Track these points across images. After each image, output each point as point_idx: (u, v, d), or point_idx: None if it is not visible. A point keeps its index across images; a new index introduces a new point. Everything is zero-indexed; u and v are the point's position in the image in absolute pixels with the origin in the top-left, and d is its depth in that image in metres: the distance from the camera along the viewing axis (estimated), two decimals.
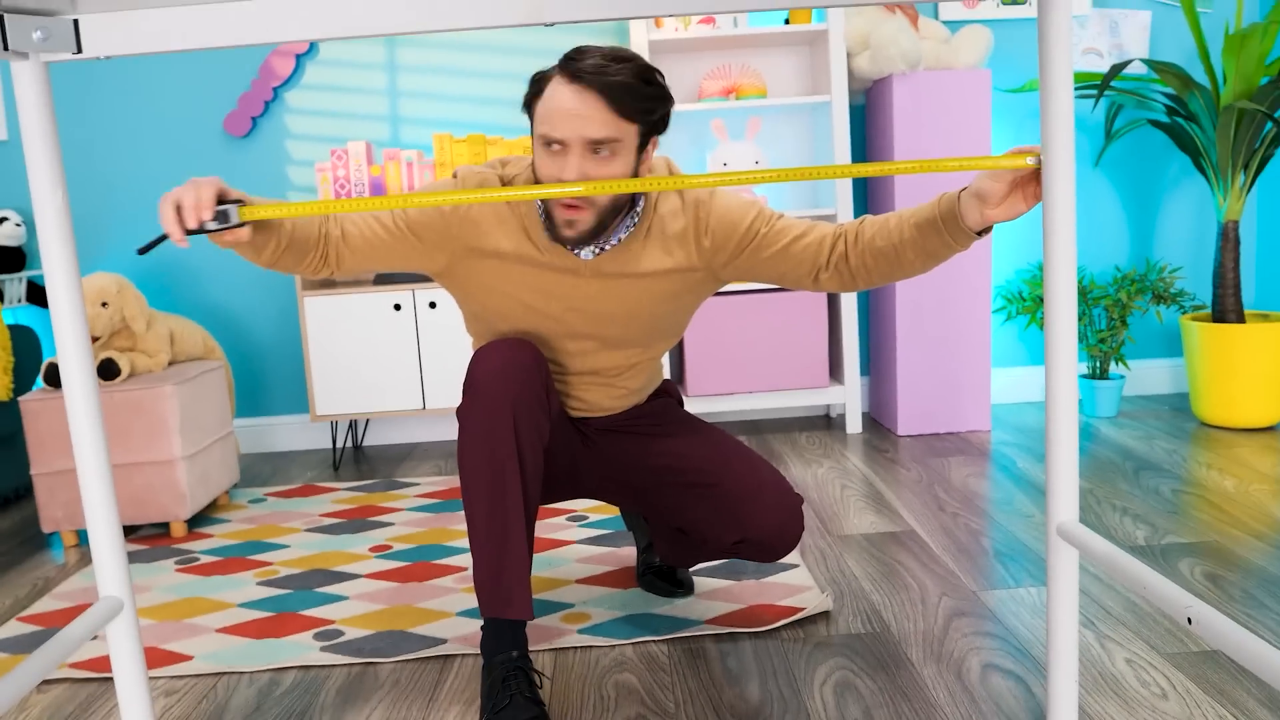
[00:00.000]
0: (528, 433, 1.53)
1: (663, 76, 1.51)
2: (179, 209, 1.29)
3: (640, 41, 3.14)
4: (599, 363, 1.69)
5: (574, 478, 1.81)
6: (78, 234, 3.48)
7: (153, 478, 2.58)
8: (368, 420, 3.59)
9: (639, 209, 1.61)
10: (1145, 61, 3.09)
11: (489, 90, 3.45)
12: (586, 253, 1.59)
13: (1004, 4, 3.45)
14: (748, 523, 1.67)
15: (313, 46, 3.40)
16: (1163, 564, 2.03)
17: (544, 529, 2.48)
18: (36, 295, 3.39)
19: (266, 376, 3.55)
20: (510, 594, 1.53)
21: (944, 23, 3.43)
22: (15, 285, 3.35)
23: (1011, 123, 3.50)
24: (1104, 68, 3.48)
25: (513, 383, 1.52)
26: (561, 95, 1.45)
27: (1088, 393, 3.32)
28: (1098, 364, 3.34)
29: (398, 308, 3.14)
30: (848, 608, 1.91)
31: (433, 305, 3.14)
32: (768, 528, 1.67)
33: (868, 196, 3.45)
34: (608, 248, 1.60)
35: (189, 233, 1.31)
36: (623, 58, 1.47)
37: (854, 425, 3.30)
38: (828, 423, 3.47)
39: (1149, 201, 3.55)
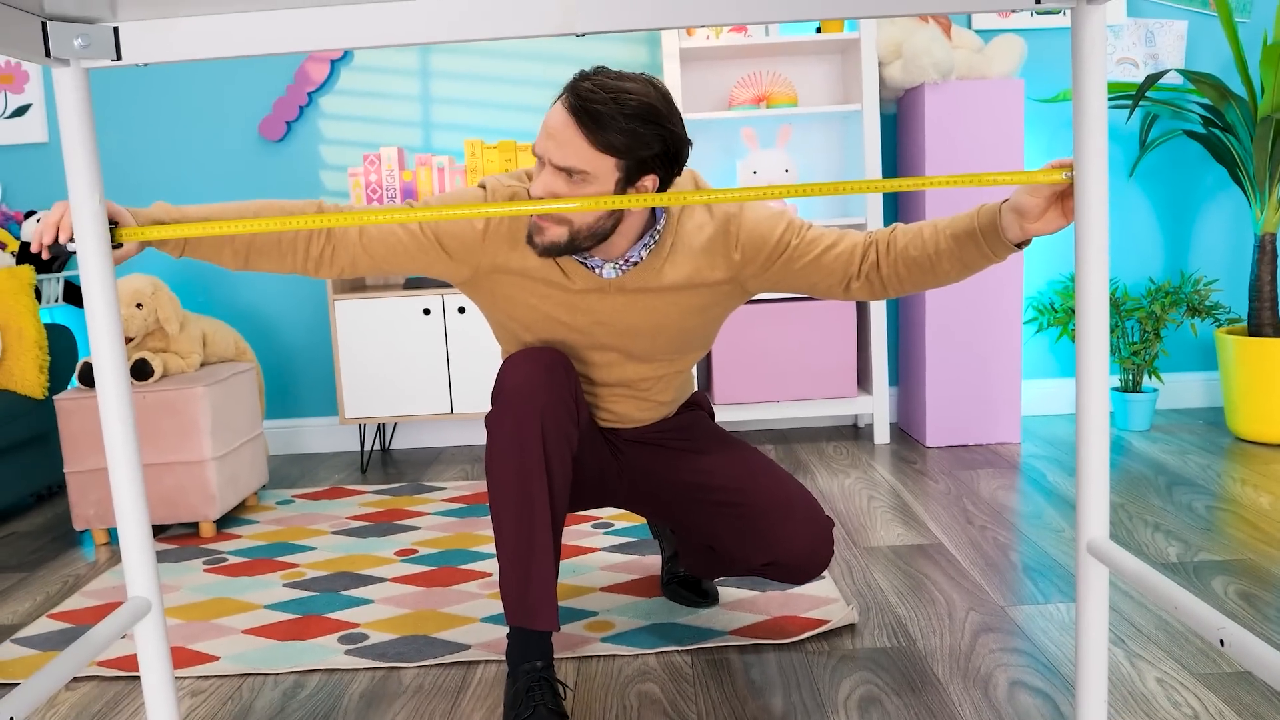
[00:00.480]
0: (556, 442, 1.53)
1: (674, 123, 1.46)
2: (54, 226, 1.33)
3: (671, 50, 3.14)
4: (626, 374, 1.69)
5: (603, 488, 1.81)
6: None
7: (183, 478, 2.61)
8: (395, 424, 3.61)
9: (659, 226, 1.59)
10: (1181, 72, 3.06)
11: (521, 97, 3.46)
12: (609, 270, 1.59)
13: (1038, 13, 3.42)
14: (777, 546, 1.66)
15: (347, 52, 3.43)
16: (1195, 582, 2.00)
17: (569, 536, 2.48)
18: (73, 295, 3.44)
19: (296, 379, 3.58)
20: (537, 606, 1.53)
21: (977, 32, 3.41)
22: (52, 285, 3.39)
23: (1045, 133, 3.47)
24: (1139, 78, 3.44)
25: (541, 391, 1.52)
26: (552, 111, 1.46)
27: (1120, 406, 3.29)
28: (1130, 377, 3.30)
29: (427, 312, 3.15)
30: (873, 621, 1.89)
31: (462, 310, 3.15)
32: (798, 551, 1.66)
33: (898, 206, 3.43)
34: (628, 267, 1.59)
35: (58, 251, 1.34)
36: (627, 90, 1.43)
37: (882, 436, 3.28)
38: (855, 433, 3.46)
39: (1184, 213, 3.51)
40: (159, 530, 2.76)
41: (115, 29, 1.25)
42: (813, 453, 3.20)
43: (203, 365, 2.90)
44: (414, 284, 3.19)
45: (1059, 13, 3.40)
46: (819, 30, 3.26)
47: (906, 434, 3.40)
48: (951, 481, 2.79)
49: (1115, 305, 3.30)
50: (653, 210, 1.58)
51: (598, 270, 1.59)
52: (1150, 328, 3.24)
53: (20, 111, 3.49)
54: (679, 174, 1.55)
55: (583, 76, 1.45)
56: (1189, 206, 3.51)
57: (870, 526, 2.44)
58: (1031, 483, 2.74)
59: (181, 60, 1.27)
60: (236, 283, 3.53)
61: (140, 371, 2.61)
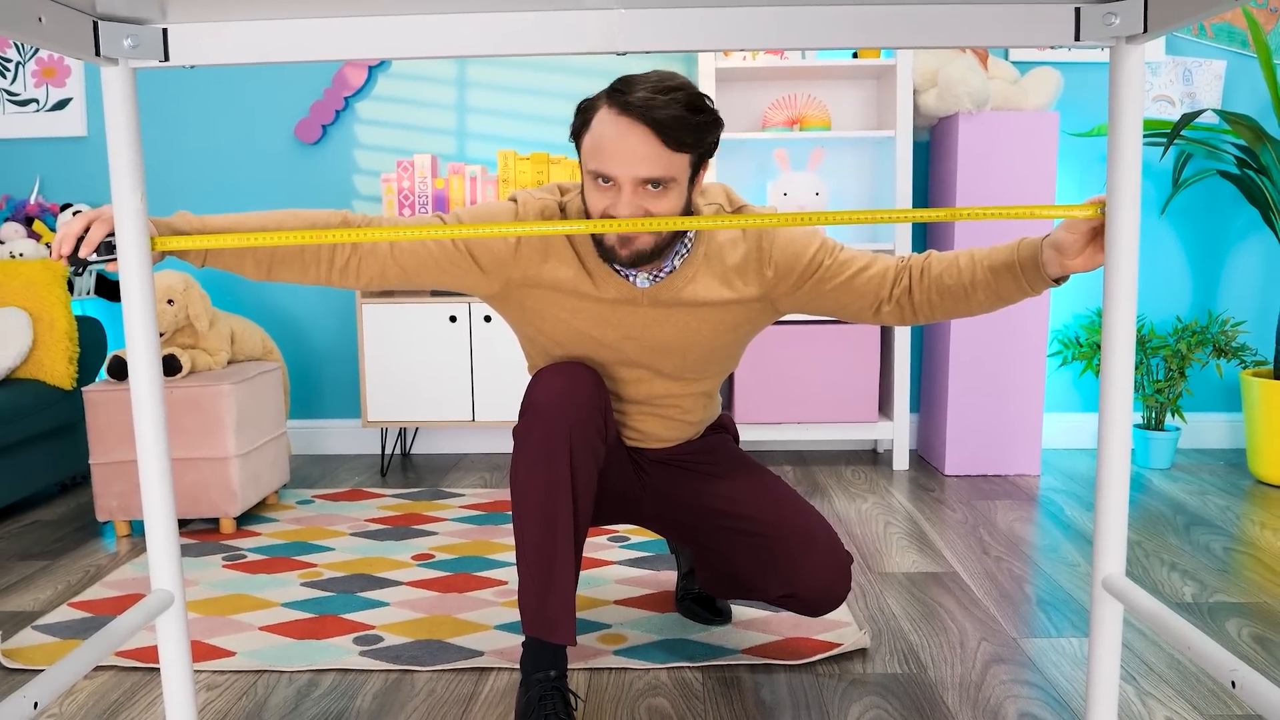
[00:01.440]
0: (584, 458, 1.54)
1: (711, 101, 1.49)
2: (77, 239, 1.34)
3: (707, 70, 3.16)
4: (655, 391, 1.70)
5: (626, 506, 1.82)
6: None
7: (206, 474, 2.64)
8: (417, 429, 3.63)
9: (690, 235, 1.61)
10: (1217, 112, 3.06)
11: (555, 110, 3.49)
12: (642, 279, 1.59)
13: (1076, 49, 3.43)
14: (796, 579, 1.67)
15: (386, 59, 3.47)
16: (1209, 623, 1.99)
17: (585, 548, 2.49)
18: (105, 288, 3.49)
19: (322, 380, 3.61)
20: (556, 619, 1.54)
21: (1014, 64, 3.41)
22: (85, 278, 3.44)
23: (1078, 167, 3.47)
24: (1175, 116, 3.44)
25: (571, 407, 1.52)
26: (611, 130, 1.43)
27: (1141, 443, 3.27)
28: (1153, 415, 3.29)
29: (453, 319, 3.18)
30: (885, 647, 1.89)
31: (487, 319, 3.17)
32: (816, 586, 1.67)
33: (927, 234, 3.43)
34: (662, 275, 1.60)
35: (76, 262, 1.35)
36: (671, 86, 1.44)
37: (901, 462, 3.28)
38: (874, 458, 3.45)
39: (1214, 253, 3.49)
40: (180, 525, 2.79)
41: (164, 30, 1.27)
42: (831, 476, 3.20)
43: (230, 363, 2.93)
44: (441, 290, 3.22)
45: (1099, 49, 3.40)
46: (855, 55, 3.27)
47: (926, 461, 3.39)
48: (969, 511, 2.79)
49: (1141, 342, 3.29)
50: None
51: (631, 279, 1.59)
52: (1175, 366, 3.23)
53: (61, 105, 3.55)
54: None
55: (624, 86, 1.44)
56: (1219, 247, 3.49)
57: (885, 552, 2.44)
58: (1049, 516, 2.73)
59: (228, 64, 1.30)
60: (262, 284, 3.57)
61: (168, 367, 2.64)
